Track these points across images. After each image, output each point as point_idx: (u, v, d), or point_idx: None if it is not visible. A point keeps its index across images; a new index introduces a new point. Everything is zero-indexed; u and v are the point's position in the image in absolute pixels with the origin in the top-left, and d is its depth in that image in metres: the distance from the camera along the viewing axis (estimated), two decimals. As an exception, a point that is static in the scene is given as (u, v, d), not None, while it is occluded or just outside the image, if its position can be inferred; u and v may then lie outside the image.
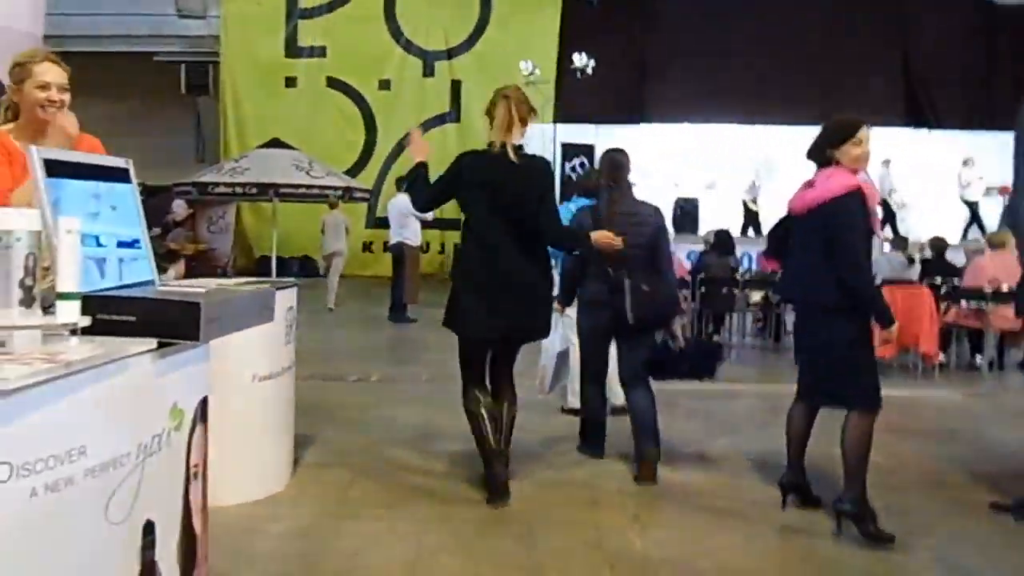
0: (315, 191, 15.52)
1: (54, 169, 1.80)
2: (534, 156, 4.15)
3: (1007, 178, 4.02)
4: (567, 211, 5.77)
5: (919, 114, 17.70)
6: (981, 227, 14.92)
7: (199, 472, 1.94)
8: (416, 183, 4.10)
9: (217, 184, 15.49)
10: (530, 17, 18.70)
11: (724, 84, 16.76)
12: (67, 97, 2.84)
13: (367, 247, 18.55)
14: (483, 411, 3.90)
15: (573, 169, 16.11)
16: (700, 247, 10.97)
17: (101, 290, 1.81)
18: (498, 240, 3.82)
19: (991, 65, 17.85)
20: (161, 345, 1.72)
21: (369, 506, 3.79)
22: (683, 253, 10.92)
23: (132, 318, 1.69)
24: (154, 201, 16.30)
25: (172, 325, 1.70)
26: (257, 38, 19.34)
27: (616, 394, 5.11)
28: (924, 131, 16.96)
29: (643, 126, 17.39)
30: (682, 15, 17.75)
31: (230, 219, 18.43)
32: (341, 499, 3.88)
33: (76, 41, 18.26)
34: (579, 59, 15.77)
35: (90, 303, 1.69)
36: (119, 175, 2.04)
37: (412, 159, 4.18)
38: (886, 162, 15.38)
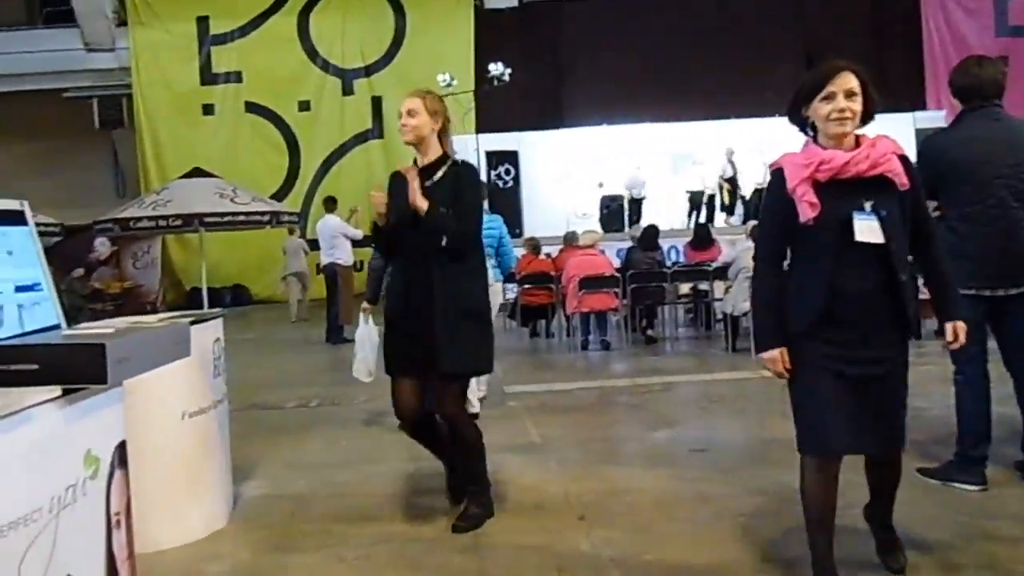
0: (241, 218, 15.28)
1: (-61, 219, 1.73)
2: None
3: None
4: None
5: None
6: None
7: (121, 520, 1.88)
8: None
9: (139, 219, 15.13)
10: (444, 29, 18.78)
11: (638, 84, 17.15)
12: None
13: (299, 271, 18.34)
14: None
15: (499, 176, 16.20)
16: (628, 244, 11.12)
17: (0, 339, 1.75)
18: None
19: (883, 50, 18.76)
20: (68, 391, 1.67)
21: (313, 535, 3.73)
22: (612, 251, 11.04)
23: (34, 366, 1.63)
24: (74, 241, 15.86)
25: (77, 369, 1.64)
26: (170, 67, 18.98)
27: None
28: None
29: (564, 130, 17.62)
30: (592, 18, 18.07)
31: (156, 253, 17.97)
32: (284, 530, 3.81)
33: (-19, 82, 17.73)
34: (495, 68, 15.88)
35: (-13, 355, 1.63)
36: (13, 218, 1.98)
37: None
38: (730, 152, 15.89)
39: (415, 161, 3.67)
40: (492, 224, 5.86)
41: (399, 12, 19.09)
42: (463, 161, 3.70)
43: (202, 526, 3.73)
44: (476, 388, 5.81)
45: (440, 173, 3.60)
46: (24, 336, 1.83)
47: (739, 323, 8.55)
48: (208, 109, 19.14)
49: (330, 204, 11.31)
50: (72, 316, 2.72)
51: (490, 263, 5.70)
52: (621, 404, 6.38)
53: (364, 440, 5.49)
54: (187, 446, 3.67)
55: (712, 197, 16.28)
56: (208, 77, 19.16)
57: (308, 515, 4.00)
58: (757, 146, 16.35)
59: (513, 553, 3.39)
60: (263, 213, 15.43)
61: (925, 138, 3.96)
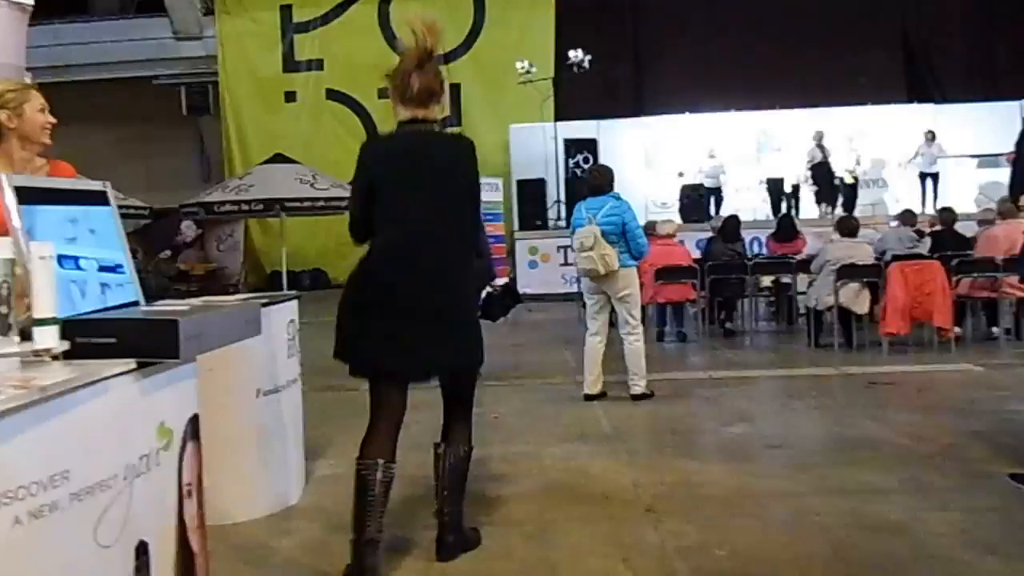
0: (321, 204, 15.63)
1: (28, 196, 1.79)
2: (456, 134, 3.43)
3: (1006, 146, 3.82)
4: (579, 213, 5.92)
5: (922, 88, 17.56)
6: (935, 197, 14.90)
7: (193, 490, 1.92)
8: None
9: (223, 203, 15.63)
10: (524, 16, 18.72)
11: (721, 70, 16.70)
12: None
13: (376, 255, 18.64)
14: (377, 475, 3.09)
15: (577, 165, 16.07)
16: (708, 234, 10.90)
17: (83, 313, 1.80)
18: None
19: (991, 35, 17.73)
20: (143, 365, 1.71)
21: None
22: (691, 242, 10.84)
23: (112, 340, 1.68)
24: (162, 223, 16.46)
25: (151, 344, 1.68)
26: (254, 55, 19.46)
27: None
28: (929, 105, 16.73)
29: (644, 118, 17.33)
30: (674, 3, 17.69)
31: (239, 237, 18.53)
32: (354, 509, 3.86)
33: (77, 70, 18.47)
34: (575, 55, 15.73)
35: (69, 327, 1.68)
36: (97, 199, 2.04)
37: None
38: (819, 135, 15.25)
39: None
40: (616, 210, 5.85)
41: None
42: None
43: (274, 501, 3.81)
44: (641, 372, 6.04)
45: None
46: (105, 311, 1.88)
47: (823, 318, 8.29)
48: (290, 96, 19.55)
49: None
50: (158, 295, 2.79)
51: (617, 249, 5.78)
52: (696, 397, 6.27)
53: (435, 422, 5.50)
54: (261, 423, 3.76)
55: (796, 187, 15.72)
56: (291, 65, 19.56)
57: (377, 495, 4.04)
58: (847, 136, 15.74)
59: (579, 541, 3.36)
60: (342, 199, 15.70)
61: None
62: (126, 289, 2.05)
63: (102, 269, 1.98)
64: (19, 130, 2.74)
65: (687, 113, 16.96)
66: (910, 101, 17.05)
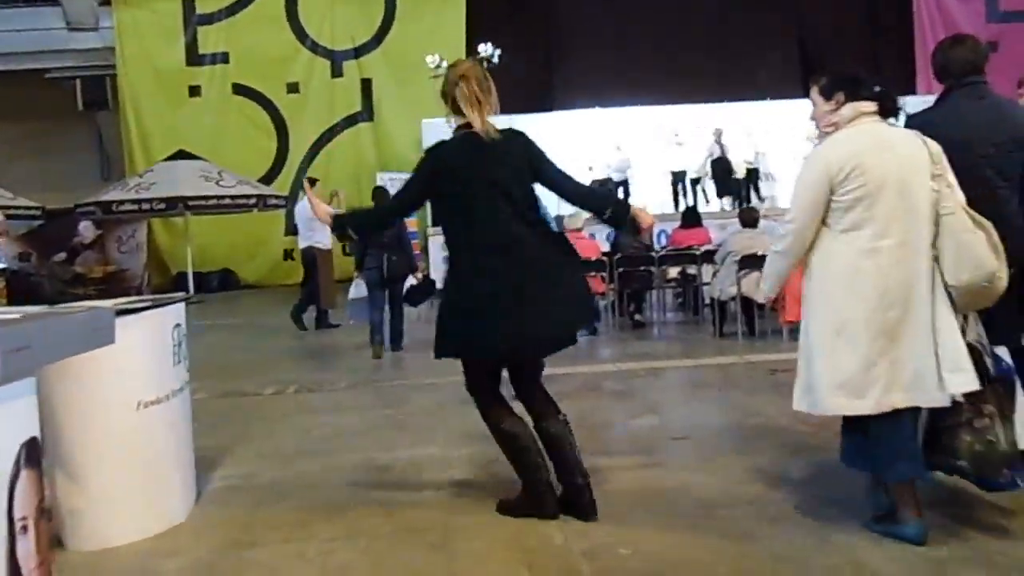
0: (227, 202, 15.18)
1: None
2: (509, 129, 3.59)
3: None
4: None
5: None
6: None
7: (30, 524, 1.72)
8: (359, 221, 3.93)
9: (122, 202, 15.04)
10: (435, 10, 18.55)
11: (629, 66, 16.99)
12: None
13: (288, 255, 18.16)
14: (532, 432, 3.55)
15: (489, 160, 16.01)
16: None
17: None
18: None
19: (875, 40, 18.76)
20: (-44, 386, 1.51)
21: (276, 529, 3.58)
22: (601, 235, 10.87)
23: (-82, 358, 1.47)
24: (58, 224, 15.67)
25: (-34, 361, 1.48)
26: (155, 47, 18.69)
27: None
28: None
29: (555, 113, 17.38)
30: (584, 0, 17.85)
31: (141, 237, 17.72)
32: (246, 525, 3.66)
33: (-40, 63, 17.46)
34: (484, 49, 15.65)
35: None
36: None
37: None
38: (718, 132, 15.80)
39: None
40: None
41: (389, -8, 18.85)
42: None
43: (159, 521, 3.56)
44: None
45: None
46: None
47: (726, 308, 8.42)
48: (194, 91, 18.86)
49: (309, 186, 11.03)
50: (54, 301, 2.56)
51: None
52: (605, 390, 6.25)
53: (339, 429, 5.34)
54: (143, 437, 3.51)
55: (696, 180, 16.20)
56: (194, 58, 18.89)
57: (274, 507, 3.86)
58: (746, 129, 16.22)
59: (482, 548, 3.26)
60: (249, 196, 15.31)
61: (908, 117, 3.77)
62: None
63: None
64: None
65: (596, 108, 17.09)
66: (805, 96, 17.71)
